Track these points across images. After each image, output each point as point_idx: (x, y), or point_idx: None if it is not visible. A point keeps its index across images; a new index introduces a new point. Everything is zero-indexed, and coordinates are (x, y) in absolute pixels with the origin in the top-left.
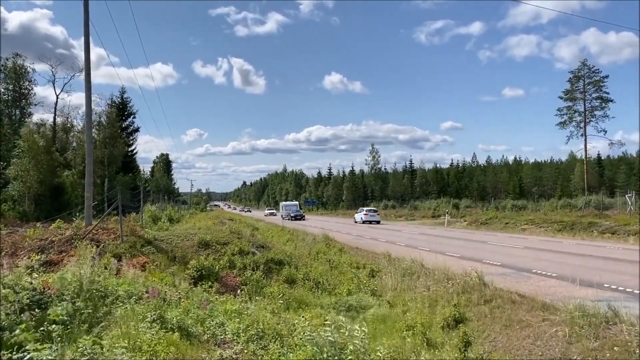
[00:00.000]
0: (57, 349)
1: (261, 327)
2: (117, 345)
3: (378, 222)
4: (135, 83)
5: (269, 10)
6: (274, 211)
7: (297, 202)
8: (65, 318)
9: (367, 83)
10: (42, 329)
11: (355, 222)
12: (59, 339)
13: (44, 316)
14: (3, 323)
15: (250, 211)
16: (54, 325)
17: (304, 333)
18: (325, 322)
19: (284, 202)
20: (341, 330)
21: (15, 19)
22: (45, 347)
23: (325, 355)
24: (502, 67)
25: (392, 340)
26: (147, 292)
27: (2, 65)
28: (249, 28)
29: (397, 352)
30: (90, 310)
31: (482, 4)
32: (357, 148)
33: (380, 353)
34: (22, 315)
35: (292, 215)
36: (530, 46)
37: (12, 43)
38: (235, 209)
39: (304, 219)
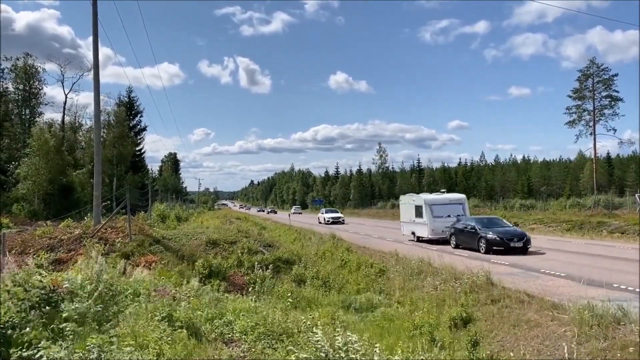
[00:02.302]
0: (67, 347)
1: (269, 325)
2: (125, 343)
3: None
4: (142, 83)
5: (274, 10)
6: (340, 215)
7: (464, 197)
8: (77, 316)
9: (373, 82)
10: (52, 326)
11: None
12: (70, 336)
13: (55, 314)
14: (14, 320)
15: (276, 212)
16: (65, 323)
17: (310, 334)
18: (332, 323)
19: (424, 196)
20: (349, 333)
21: (22, 19)
22: (56, 345)
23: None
24: (508, 66)
25: (399, 342)
26: (155, 290)
27: (13, 65)
28: (254, 28)
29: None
30: (100, 309)
31: (486, 3)
32: (364, 147)
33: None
34: (31, 312)
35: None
36: (536, 45)
37: (19, 43)
38: (250, 208)
39: None
